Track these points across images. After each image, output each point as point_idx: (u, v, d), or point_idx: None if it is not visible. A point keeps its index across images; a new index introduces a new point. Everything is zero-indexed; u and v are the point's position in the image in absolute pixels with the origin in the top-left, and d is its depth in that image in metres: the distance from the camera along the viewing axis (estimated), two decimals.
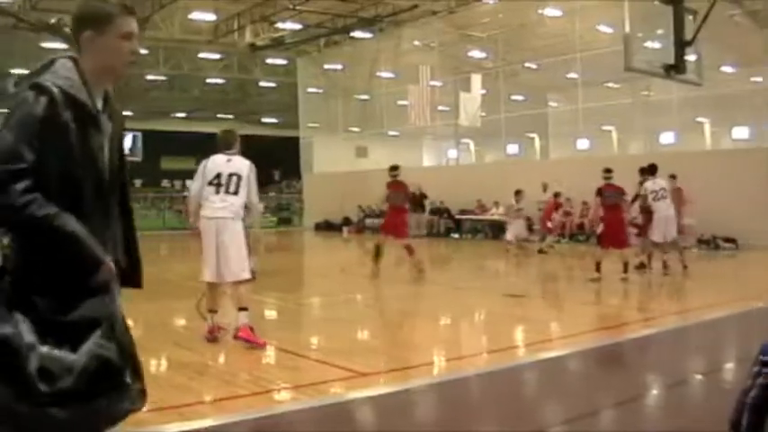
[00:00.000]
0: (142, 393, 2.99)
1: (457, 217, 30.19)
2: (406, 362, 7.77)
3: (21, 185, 2.61)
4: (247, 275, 8.38)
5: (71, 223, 2.71)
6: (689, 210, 17.59)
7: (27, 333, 2.63)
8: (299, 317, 11.51)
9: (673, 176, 17.01)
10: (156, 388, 6.39)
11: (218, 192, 8.26)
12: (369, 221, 32.83)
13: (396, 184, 15.69)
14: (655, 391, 6.58)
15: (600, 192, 14.59)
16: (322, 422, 5.62)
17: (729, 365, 7.48)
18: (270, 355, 8.10)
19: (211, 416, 5.52)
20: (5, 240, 2.83)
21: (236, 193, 8.26)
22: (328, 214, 35.13)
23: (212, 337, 8.37)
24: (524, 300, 12.41)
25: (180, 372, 6.94)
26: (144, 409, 5.72)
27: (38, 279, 2.72)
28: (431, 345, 8.71)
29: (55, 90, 2.75)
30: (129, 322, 9.20)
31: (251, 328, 8.08)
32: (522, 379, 7.16)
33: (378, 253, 15.44)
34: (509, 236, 21.12)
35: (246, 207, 8.39)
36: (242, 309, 8.18)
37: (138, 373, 3.00)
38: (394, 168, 15.88)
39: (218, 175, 8.29)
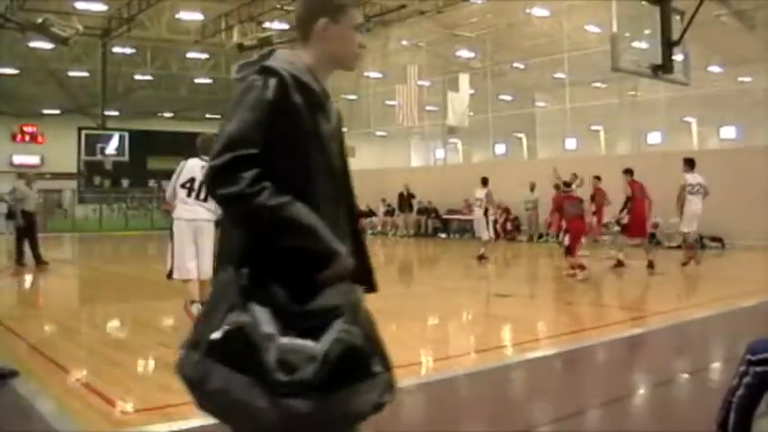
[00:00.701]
0: (392, 385, 2.71)
1: (444, 217, 30.22)
2: (394, 362, 7.74)
3: (250, 173, 2.48)
4: None
5: (305, 213, 2.55)
6: (610, 210, 17.97)
7: (266, 323, 2.44)
8: None
9: (597, 177, 17.70)
10: (142, 388, 6.38)
11: (189, 195, 8.71)
12: None
13: None
14: (642, 391, 6.59)
15: (560, 206, 15.40)
16: None
17: (716, 365, 7.50)
18: None
19: (198, 416, 5.49)
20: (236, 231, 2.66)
21: (205, 200, 8.65)
22: None
23: None
24: (512, 299, 12.42)
25: (167, 372, 6.88)
26: (130, 409, 5.75)
27: (272, 269, 2.56)
28: (418, 344, 8.69)
29: (284, 73, 2.62)
30: (116, 323, 9.10)
31: None
32: (509, 379, 7.17)
33: None
34: (485, 235, 19.09)
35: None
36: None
37: (386, 362, 2.73)
38: None
39: (192, 180, 8.72)
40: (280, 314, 2.47)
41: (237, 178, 2.46)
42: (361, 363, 2.54)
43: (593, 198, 16.91)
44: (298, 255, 2.56)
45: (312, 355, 2.40)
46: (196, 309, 8.64)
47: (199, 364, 2.46)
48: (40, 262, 17.73)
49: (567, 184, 15.40)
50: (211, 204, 8.70)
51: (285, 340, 2.42)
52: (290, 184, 2.56)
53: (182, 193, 8.79)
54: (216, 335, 2.42)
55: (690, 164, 15.90)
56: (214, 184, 2.50)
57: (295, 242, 2.56)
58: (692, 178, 15.74)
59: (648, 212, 16.26)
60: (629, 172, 16.22)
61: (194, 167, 8.80)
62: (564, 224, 15.24)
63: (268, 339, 2.41)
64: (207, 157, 8.65)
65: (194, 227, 8.74)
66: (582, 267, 14.17)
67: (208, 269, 8.56)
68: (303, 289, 2.55)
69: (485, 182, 19.16)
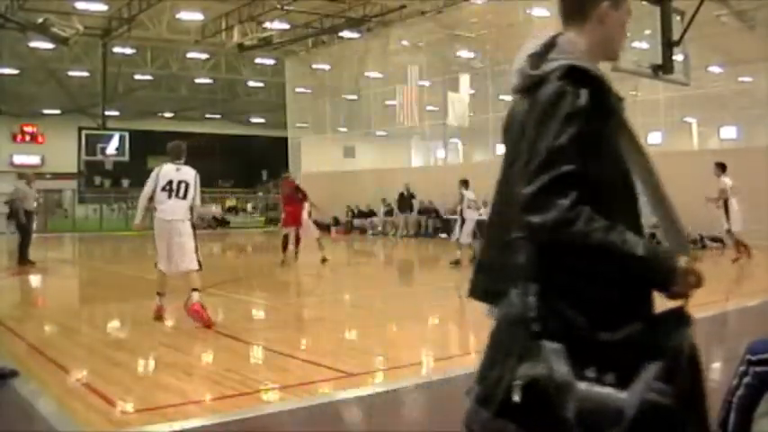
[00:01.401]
0: None
1: (445, 217, 30.19)
2: (395, 362, 7.75)
3: (570, 196, 2.14)
4: (195, 267, 9.56)
5: (630, 238, 2.19)
6: None
7: (561, 367, 2.12)
8: (286, 317, 11.48)
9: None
10: (143, 388, 6.38)
11: (170, 196, 9.63)
12: (357, 222, 32.91)
13: (289, 182, 19.44)
14: None
15: None
16: (310, 422, 5.61)
17: (716, 365, 7.50)
18: (258, 355, 8.08)
19: (199, 416, 5.50)
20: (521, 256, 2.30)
21: (184, 197, 9.65)
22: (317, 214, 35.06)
23: (159, 315, 9.72)
24: None
25: (167, 372, 6.92)
26: (130, 409, 5.75)
27: (572, 290, 2.22)
28: (419, 345, 8.70)
29: (593, 74, 2.32)
30: (116, 323, 9.07)
31: (202, 306, 9.30)
32: None
33: (285, 245, 18.22)
34: (465, 238, 17.68)
35: (191, 208, 9.77)
36: (194, 289, 9.44)
37: (704, 424, 2.39)
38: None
39: (170, 182, 9.67)
40: (578, 346, 2.16)
41: (555, 203, 2.15)
42: (670, 430, 2.18)
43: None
44: (619, 282, 2.24)
45: (618, 410, 2.08)
46: (159, 300, 9.77)
47: (489, 422, 2.24)
48: (26, 260, 17.84)
49: None
50: (187, 203, 9.65)
51: (584, 386, 2.10)
52: (617, 201, 2.29)
53: (162, 195, 9.64)
54: (507, 394, 2.18)
55: (723, 167, 16.01)
56: (529, 210, 2.19)
57: (624, 272, 2.23)
58: (729, 181, 15.88)
59: None
60: None
61: (169, 172, 9.76)
62: None
63: (565, 391, 2.10)
64: (179, 161, 9.76)
65: (169, 227, 9.59)
66: None
67: (181, 263, 9.57)
68: (612, 312, 2.22)
69: (467, 183, 18.53)
